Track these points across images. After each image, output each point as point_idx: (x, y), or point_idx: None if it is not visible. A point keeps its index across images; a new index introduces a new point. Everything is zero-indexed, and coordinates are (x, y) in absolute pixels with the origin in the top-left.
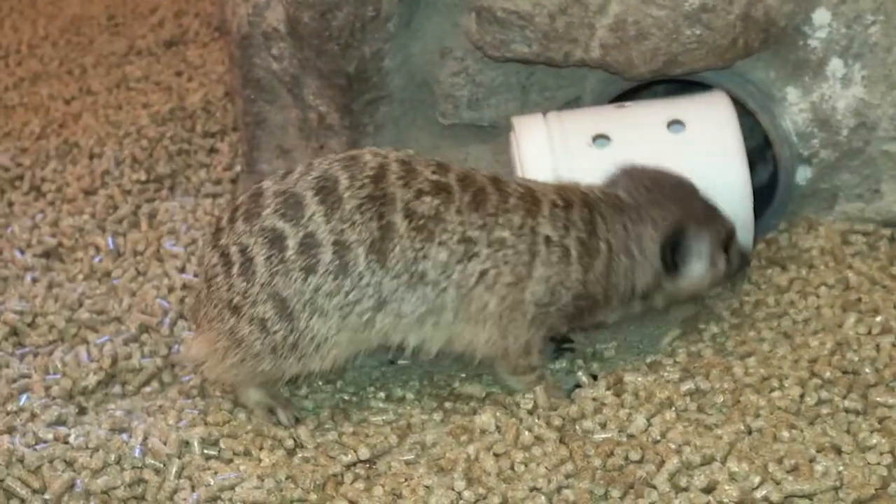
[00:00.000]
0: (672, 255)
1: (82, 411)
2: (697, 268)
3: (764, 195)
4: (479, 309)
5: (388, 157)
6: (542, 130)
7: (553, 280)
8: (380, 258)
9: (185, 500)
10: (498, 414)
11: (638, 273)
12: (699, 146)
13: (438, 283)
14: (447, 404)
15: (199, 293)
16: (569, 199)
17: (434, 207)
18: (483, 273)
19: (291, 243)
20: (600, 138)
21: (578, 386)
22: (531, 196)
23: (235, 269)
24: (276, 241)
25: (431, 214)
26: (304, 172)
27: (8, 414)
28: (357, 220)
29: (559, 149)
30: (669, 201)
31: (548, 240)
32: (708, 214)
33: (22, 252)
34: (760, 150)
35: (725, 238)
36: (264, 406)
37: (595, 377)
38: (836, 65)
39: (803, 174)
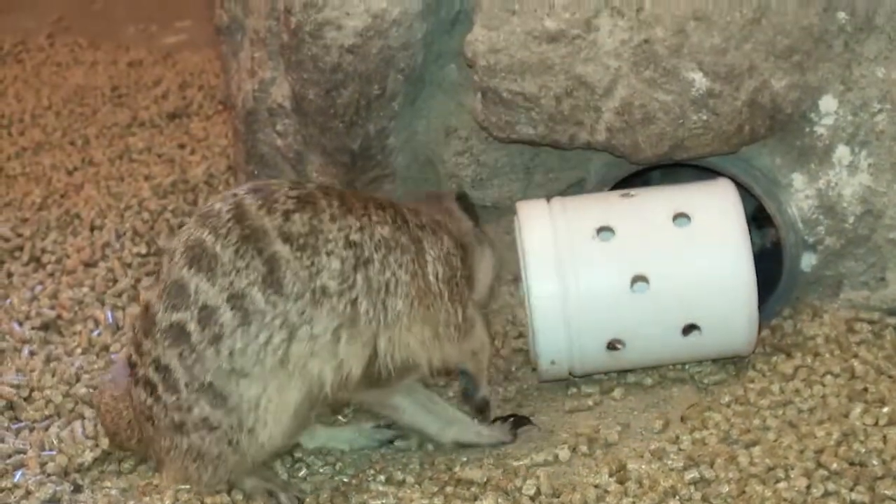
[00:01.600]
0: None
1: (77, 489)
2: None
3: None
4: (396, 313)
5: (238, 195)
6: (545, 222)
7: (441, 252)
8: (276, 289)
9: None
10: (499, 500)
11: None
12: (704, 241)
13: (343, 294)
14: (448, 489)
15: (145, 434)
16: (392, 203)
17: (307, 223)
18: (387, 283)
19: (192, 326)
20: (604, 231)
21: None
22: (381, 201)
23: (160, 388)
24: (179, 335)
25: (307, 231)
26: (171, 256)
27: (2, 491)
28: (240, 265)
29: (563, 243)
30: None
31: (420, 226)
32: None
33: (20, 324)
34: None
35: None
36: (262, 490)
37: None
38: (842, 152)
39: (808, 261)
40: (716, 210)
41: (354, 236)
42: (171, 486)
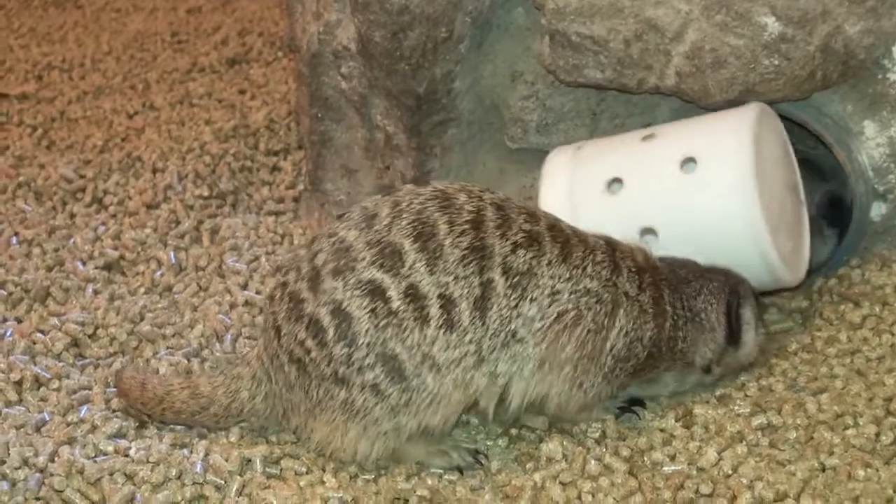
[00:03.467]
0: (736, 323)
1: (142, 425)
2: (751, 335)
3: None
4: (556, 353)
5: (484, 200)
6: (563, 179)
7: (632, 335)
8: (482, 315)
9: None
10: (565, 443)
11: (701, 344)
12: (709, 185)
13: (525, 339)
14: (512, 431)
15: (285, 382)
16: (640, 264)
17: (528, 262)
18: (562, 314)
19: (394, 294)
20: (615, 182)
21: (632, 408)
22: (612, 254)
23: (331, 335)
24: (375, 293)
25: (525, 270)
26: (395, 216)
27: (68, 425)
28: (460, 273)
29: (577, 198)
30: (716, 272)
31: (627, 295)
32: (746, 283)
33: (84, 264)
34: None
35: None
36: (435, 453)
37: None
38: None
39: (878, 210)
40: (723, 151)
41: (559, 286)
42: (322, 437)
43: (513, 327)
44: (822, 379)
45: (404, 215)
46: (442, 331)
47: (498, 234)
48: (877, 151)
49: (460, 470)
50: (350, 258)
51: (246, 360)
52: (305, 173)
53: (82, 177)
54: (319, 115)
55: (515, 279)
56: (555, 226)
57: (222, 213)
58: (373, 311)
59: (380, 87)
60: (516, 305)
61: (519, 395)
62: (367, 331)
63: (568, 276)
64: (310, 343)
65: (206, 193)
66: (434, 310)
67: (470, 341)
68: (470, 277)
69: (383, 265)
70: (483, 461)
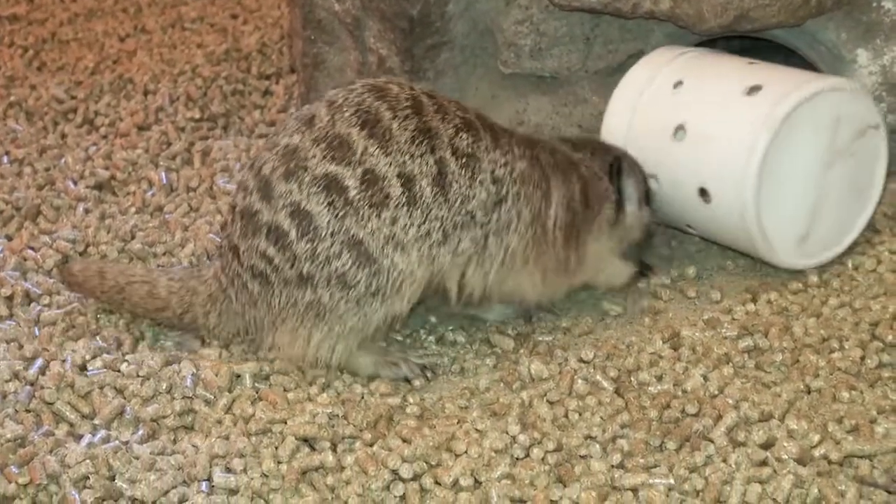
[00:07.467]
0: (617, 177)
1: (136, 340)
2: (633, 209)
3: None
4: (512, 252)
5: (415, 90)
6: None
7: (566, 198)
8: (443, 191)
9: (234, 431)
10: (551, 363)
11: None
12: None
13: (483, 226)
14: (498, 349)
15: (248, 300)
16: (530, 139)
17: (470, 145)
18: (509, 221)
19: (351, 183)
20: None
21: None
22: (520, 137)
23: (293, 235)
24: (331, 186)
25: (470, 153)
26: (334, 111)
27: (59, 339)
28: (415, 152)
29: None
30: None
31: (553, 165)
32: (629, 158)
33: (75, 183)
34: None
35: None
36: (384, 364)
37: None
38: None
39: None
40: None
41: (499, 171)
42: (284, 346)
43: (470, 207)
44: (810, 305)
45: (344, 108)
46: (405, 209)
47: (439, 117)
48: (869, 80)
49: (407, 379)
50: (300, 158)
51: (202, 278)
52: (297, 96)
53: (73, 98)
54: (312, 38)
55: (463, 160)
56: (480, 114)
57: (213, 136)
58: (331, 203)
59: (373, 9)
60: (470, 185)
61: (479, 280)
62: (328, 222)
63: (504, 161)
64: (271, 251)
65: (197, 116)
66: (395, 189)
67: (435, 217)
68: (425, 156)
69: (335, 157)
70: (430, 375)
